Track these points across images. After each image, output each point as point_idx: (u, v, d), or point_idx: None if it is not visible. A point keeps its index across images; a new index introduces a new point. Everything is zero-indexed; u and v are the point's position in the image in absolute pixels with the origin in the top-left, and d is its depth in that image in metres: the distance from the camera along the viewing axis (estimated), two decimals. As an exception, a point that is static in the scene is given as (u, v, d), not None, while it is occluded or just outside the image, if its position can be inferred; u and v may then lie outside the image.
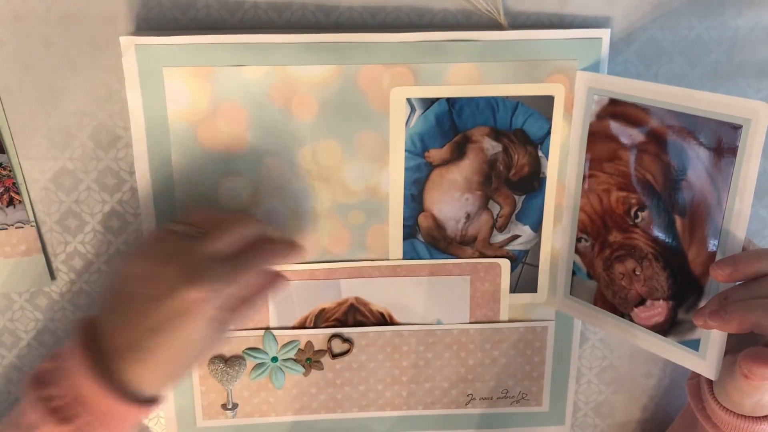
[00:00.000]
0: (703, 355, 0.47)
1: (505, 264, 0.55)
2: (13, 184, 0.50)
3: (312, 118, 0.51)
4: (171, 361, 0.44)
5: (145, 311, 0.43)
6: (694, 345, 0.48)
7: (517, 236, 0.54)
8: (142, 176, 0.51)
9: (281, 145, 0.51)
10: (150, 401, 0.44)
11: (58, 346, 0.46)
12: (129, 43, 0.48)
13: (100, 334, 0.43)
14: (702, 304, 0.47)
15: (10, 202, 0.50)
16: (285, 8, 0.50)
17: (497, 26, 0.50)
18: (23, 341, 0.55)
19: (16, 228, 0.51)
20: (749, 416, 0.46)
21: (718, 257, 0.45)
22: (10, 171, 0.50)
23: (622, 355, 0.59)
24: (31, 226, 0.51)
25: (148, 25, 0.50)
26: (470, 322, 0.56)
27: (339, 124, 0.51)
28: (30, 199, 0.51)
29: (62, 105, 0.51)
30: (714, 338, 0.46)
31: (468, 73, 0.50)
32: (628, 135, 0.49)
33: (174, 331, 0.43)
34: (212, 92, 0.50)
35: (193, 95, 0.50)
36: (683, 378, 0.59)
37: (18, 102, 0.50)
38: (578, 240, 0.53)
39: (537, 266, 0.55)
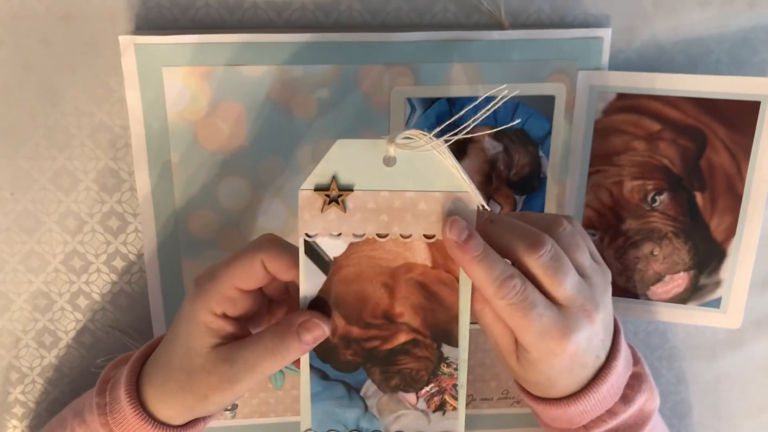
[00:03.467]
0: (725, 310, 0.52)
1: (505, 264, 0.55)
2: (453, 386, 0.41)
3: (312, 118, 0.51)
4: (177, 378, 0.41)
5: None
6: (716, 304, 0.53)
7: (517, 236, 0.54)
8: (141, 176, 0.51)
9: (281, 145, 0.51)
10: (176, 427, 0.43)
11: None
12: (128, 42, 0.48)
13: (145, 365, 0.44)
14: (724, 265, 0.53)
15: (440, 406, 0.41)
16: (285, 8, 0.50)
17: (498, 26, 0.50)
18: (22, 341, 0.55)
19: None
20: (555, 399, 0.43)
21: (741, 218, 0.51)
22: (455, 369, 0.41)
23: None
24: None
25: (148, 24, 0.49)
26: (471, 323, 0.56)
27: (339, 124, 0.51)
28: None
29: (61, 104, 0.50)
30: (736, 292, 0.51)
31: (468, 72, 0.50)
32: (640, 126, 0.51)
33: (173, 339, 0.42)
34: (212, 92, 0.50)
35: (193, 95, 0.50)
36: (684, 376, 0.59)
37: (17, 101, 0.50)
38: (583, 237, 0.54)
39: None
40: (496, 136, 0.52)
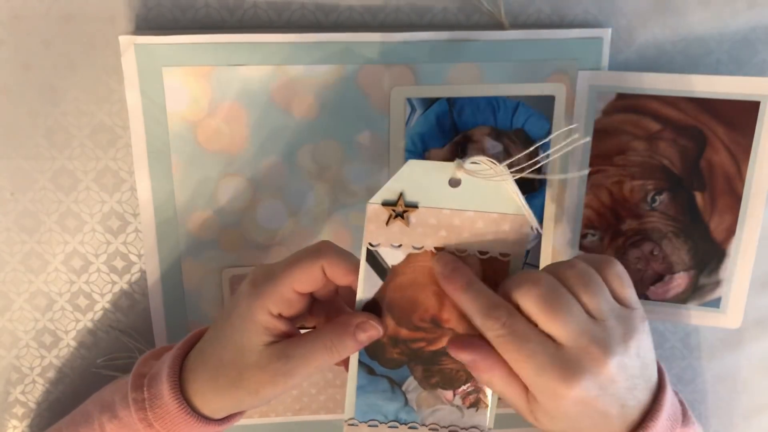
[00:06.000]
0: (725, 310, 0.52)
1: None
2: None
3: (312, 118, 0.51)
4: (228, 374, 0.42)
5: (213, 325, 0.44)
6: (715, 304, 0.53)
7: (517, 236, 0.54)
8: (141, 176, 0.51)
9: (281, 145, 0.51)
10: (215, 420, 0.44)
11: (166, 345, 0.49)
12: (128, 42, 0.48)
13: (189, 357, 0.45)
14: (724, 265, 0.53)
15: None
16: (285, 8, 0.50)
17: (498, 26, 0.50)
18: (22, 341, 0.55)
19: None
20: None
21: (740, 217, 0.51)
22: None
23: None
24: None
25: (148, 24, 0.49)
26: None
27: (339, 124, 0.51)
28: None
29: (61, 104, 0.50)
30: (736, 291, 0.51)
31: (468, 72, 0.50)
32: (640, 126, 0.51)
33: (223, 336, 0.43)
34: (212, 92, 0.50)
35: (193, 95, 0.50)
36: (684, 376, 0.59)
37: (17, 101, 0.50)
38: (584, 236, 0.54)
39: (538, 266, 0.55)
40: (496, 137, 0.52)
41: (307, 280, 0.41)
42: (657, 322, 0.57)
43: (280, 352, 0.41)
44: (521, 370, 0.39)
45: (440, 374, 0.43)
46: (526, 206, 0.41)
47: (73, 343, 0.56)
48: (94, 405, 0.47)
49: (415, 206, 0.41)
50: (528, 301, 0.39)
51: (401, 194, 0.41)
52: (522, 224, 0.41)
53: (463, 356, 0.41)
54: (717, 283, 0.53)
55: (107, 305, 0.55)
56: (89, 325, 0.55)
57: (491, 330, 0.39)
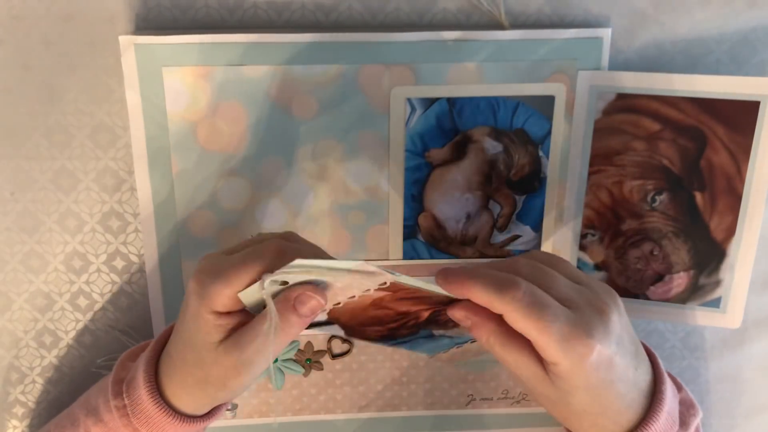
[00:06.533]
0: (725, 310, 0.52)
1: (505, 264, 0.55)
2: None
3: (312, 118, 0.51)
4: (194, 374, 0.42)
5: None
6: (715, 303, 0.53)
7: (517, 236, 0.54)
8: (141, 176, 0.51)
9: (281, 145, 0.51)
10: (190, 417, 0.45)
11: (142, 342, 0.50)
12: (128, 42, 0.48)
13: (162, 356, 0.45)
14: (724, 265, 0.53)
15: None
16: (285, 8, 0.50)
17: (498, 26, 0.50)
18: (22, 341, 0.55)
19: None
20: None
21: (740, 217, 0.51)
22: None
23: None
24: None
25: (148, 24, 0.49)
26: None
27: (339, 124, 0.51)
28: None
29: (61, 104, 0.50)
30: (736, 291, 0.51)
31: (468, 73, 0.50)
32: (640, 126, 0.51)
33: (181, 337, 0.43)
34: (212, 92, 0.50)
35: (193, 95, 0.50)
36: (684, 376, 0.59)
37: (17, 101, 0.50)
38: (584, 236, 0.54)
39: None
40: (496, 137, 0.52)
41: (250, 283, 0.40)
42: (657, 322, 0.57)
43: (232, 345, 0.41)
44: (547, 342, 0.38)
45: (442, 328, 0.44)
46: (347, 265, 0.38)
47: (72, 343, 0.56)
48: (80, 408, 0.48)
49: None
50: (522, 270, 0.40)
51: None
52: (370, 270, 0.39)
53: (457, 313, 0.41)
54: (717, 283, 0.53)
55: (107, 305, 0.55)
56: (89, 325, 0.55)
57: (513, 301, 0.38)
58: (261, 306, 0.41)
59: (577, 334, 0.38)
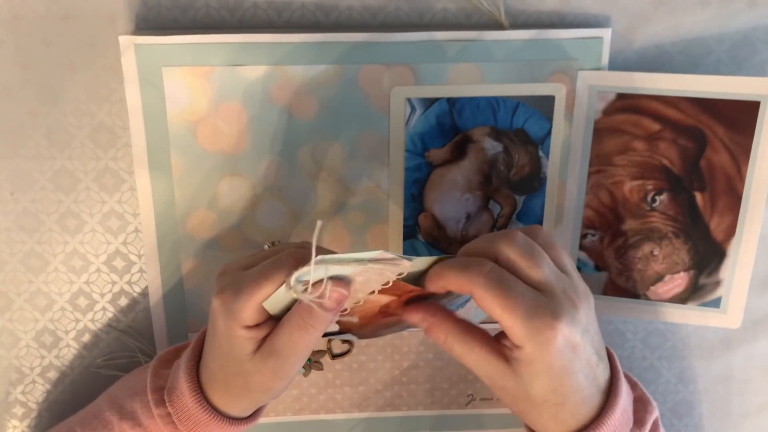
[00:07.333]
0: (725, 310, 0.52)
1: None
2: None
3: (312, 118, 0.51)
4: (236, 383, 0.44)
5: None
6: (716, 303, 0.53)
7: (517, 236, 0.54)
8: (141, 176, 0.51)
9: (281, 145, 0.51)
10: (237, 420, 0.46)
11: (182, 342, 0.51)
12: (128, 42, 0.48)
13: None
14: (724, 265, 0.53)
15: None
16: (285, 8, 0.50)
17: (498, 26, 0.50)
18: (22, 341, 0.55)
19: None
20: None
21: (740, 217, 0.51)
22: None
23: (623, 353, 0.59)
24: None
25: (148, 24, 0.49)
26: (470, 323, 0.56)
27: (339, 124, 0.51)
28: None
29: (61, 104, 0.50)
30: (736, 291, 0.51)
31: (468, 73, 0.50)
32: (640, 126, 0.51)
33: (218, 352, 0.44)
34: (212, 92, 0.50)
35: (193, 95, 0.50)
36: (684, 376, 0.59)
37: (17, 101, 0.50)
38: (584, 236, 0.54)
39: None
40: (496, 137, 0.52)
41: (271, 293, 0.41)
42: (657, 322, 0.57)
43: (268, 352, 0.42)
44: (511, 320, 0.38)
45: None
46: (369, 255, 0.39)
47: (73, 343, 0.56)
48: (110, 410, 0.48)
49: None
50: (510, 250, 0.40)
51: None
52: (397, 264, 0.40)
53: (414, 316, 0.43)
54: (717, 283, 0.53)
55: (107, 305, 0.55)
56: (89, 325, 0.55)
57: (479, 276, 0.39)
58: (286, 311, 0.42)
59: (542, 314, 0.38)
